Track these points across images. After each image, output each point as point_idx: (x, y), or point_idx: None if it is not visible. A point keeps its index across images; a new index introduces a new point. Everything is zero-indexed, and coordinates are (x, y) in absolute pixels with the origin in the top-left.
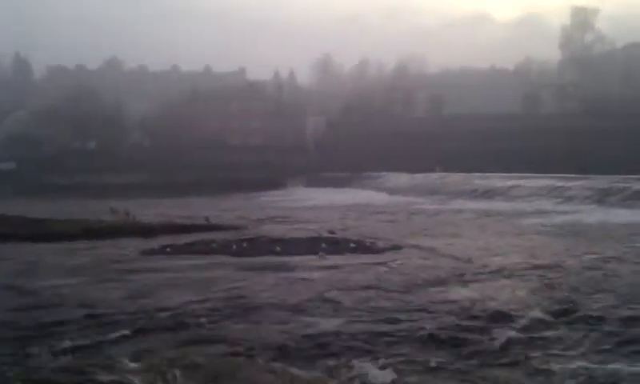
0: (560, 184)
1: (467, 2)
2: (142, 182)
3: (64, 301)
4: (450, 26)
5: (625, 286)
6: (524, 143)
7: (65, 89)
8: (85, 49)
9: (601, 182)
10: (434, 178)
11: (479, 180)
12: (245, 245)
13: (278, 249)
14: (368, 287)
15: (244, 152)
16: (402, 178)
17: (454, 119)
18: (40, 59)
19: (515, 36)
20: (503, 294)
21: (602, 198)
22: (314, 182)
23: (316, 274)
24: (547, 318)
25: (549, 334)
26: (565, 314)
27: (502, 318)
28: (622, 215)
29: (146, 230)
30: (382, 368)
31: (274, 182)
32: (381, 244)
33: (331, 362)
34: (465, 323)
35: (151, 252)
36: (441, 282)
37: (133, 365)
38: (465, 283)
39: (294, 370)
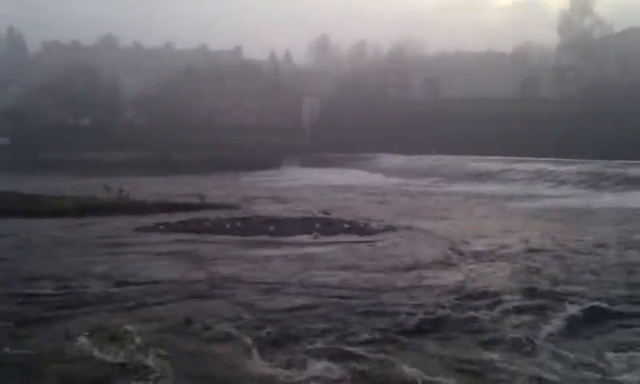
0: (554, 168)
1: None
2: (136, 160)
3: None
4: (448, 9)
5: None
6: (520, 127)
7: (59, 65)
8: (80, 25)
9: (595, 166)
10: (429, 160)
11: (474, 163)
12: (238, 224)
13: (271, 228)
14: (347, 267)
15: (239, 131)
16: (397, 160)
17: (450, 102)
18: (34, 34)
19: (513, 20)
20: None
21: (595, 182)
22: (309, 162)
23: (300, 253)
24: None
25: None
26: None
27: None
28: (612, 200)
29: (139, 208)
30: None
31: (269, 162)
32: (374, 225)
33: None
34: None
35: (144, 229)
36: (424, 266)
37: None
38: (448, 266)
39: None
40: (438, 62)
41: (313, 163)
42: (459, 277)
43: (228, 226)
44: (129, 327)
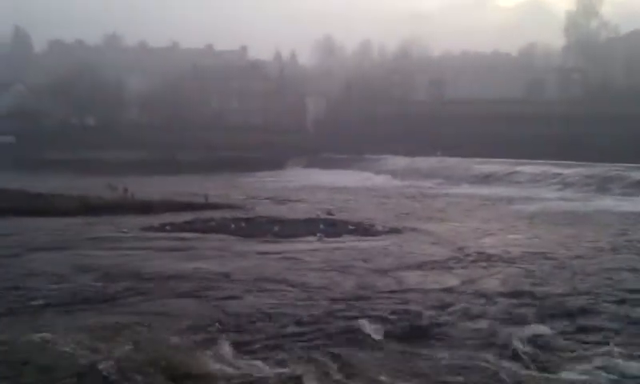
0: (560, 171)
1: None
2: (141, 160)
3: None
4: (453, 10)
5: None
6: (526, 129)
7: (64, 64)
8: (84, 24)
9: (601, 169)
10: (433, 161)
11: (479, 165)
12: (243, 224)
13: (276, 229)
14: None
15: (244, 131)
16: (401, 161)
17: (455, 103)
18: (40, 33)
19: (519, 20)
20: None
21: (601, 185)
22: (314, 163)
23: (295, 254)
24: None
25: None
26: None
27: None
28: (618, 204)
29: (144, 207)
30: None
31: (274, 163)
32: (379, 227)
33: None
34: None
35: (150, 229)
36: (417, 267)
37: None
38: (447, 269)
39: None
40: (443, 62)
41: (317, 164)
42: (454, 281)
43: (233, 226)
44: None
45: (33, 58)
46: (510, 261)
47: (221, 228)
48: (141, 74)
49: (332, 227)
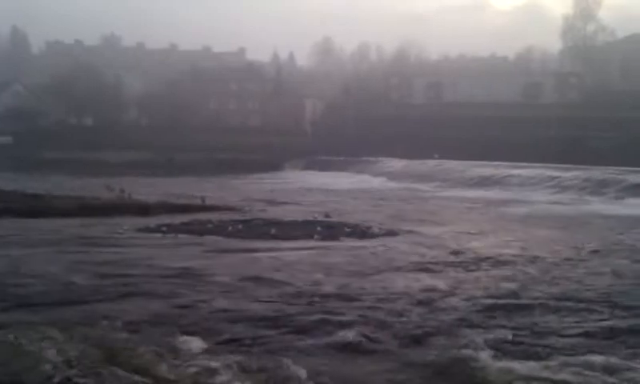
0: (556, 174)
1: None
2: (139, 160)
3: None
4: (451, 13)
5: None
6: (522, 132)
7: (62, 65)
8: (83, 24)
9: (598, 172)
10: (431, 164)
11: (476, 168)
12: (240, 226)
13: (273, 231)
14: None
15: (242, 133)
16: (399, 164)
17: (453, 106)
18: (38, 34)
19: (516, 24)
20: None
21: (597, 189)
22: (312, 165)
23: (289, 256)
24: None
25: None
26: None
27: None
28: (614, 208)
29: (141, 209)
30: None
31: (272, 165)
32: (376, 229)
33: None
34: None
35: (147, 229)
36: (410, 269)
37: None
38: (435, 272)
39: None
40: (440, 65)
41: (315, 166)
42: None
43: (230, 228)
44: None
45: (31, 59)
46: (498, 264)
47: (217, 230)
48: (139, 75)
49: (329, 229)
